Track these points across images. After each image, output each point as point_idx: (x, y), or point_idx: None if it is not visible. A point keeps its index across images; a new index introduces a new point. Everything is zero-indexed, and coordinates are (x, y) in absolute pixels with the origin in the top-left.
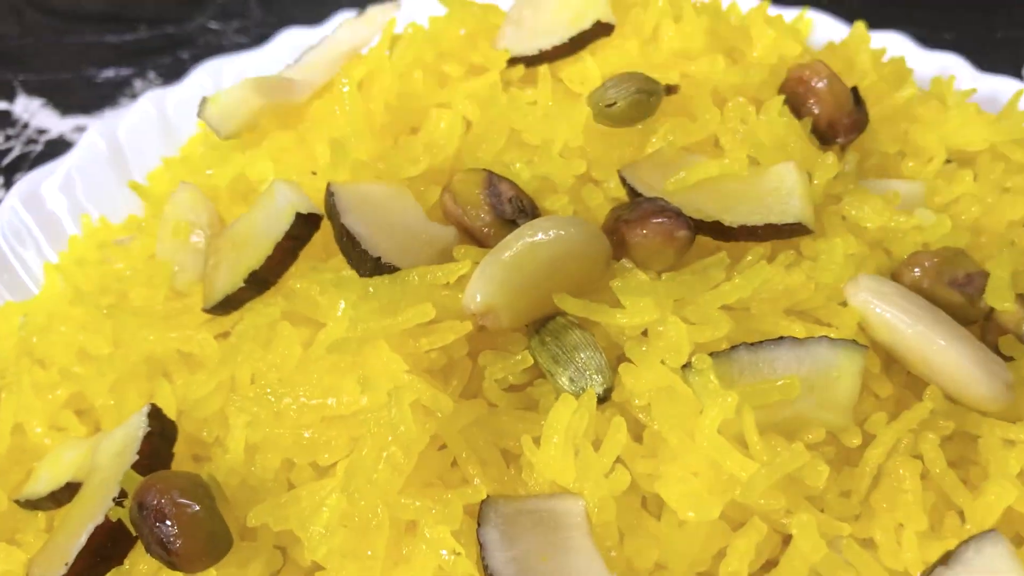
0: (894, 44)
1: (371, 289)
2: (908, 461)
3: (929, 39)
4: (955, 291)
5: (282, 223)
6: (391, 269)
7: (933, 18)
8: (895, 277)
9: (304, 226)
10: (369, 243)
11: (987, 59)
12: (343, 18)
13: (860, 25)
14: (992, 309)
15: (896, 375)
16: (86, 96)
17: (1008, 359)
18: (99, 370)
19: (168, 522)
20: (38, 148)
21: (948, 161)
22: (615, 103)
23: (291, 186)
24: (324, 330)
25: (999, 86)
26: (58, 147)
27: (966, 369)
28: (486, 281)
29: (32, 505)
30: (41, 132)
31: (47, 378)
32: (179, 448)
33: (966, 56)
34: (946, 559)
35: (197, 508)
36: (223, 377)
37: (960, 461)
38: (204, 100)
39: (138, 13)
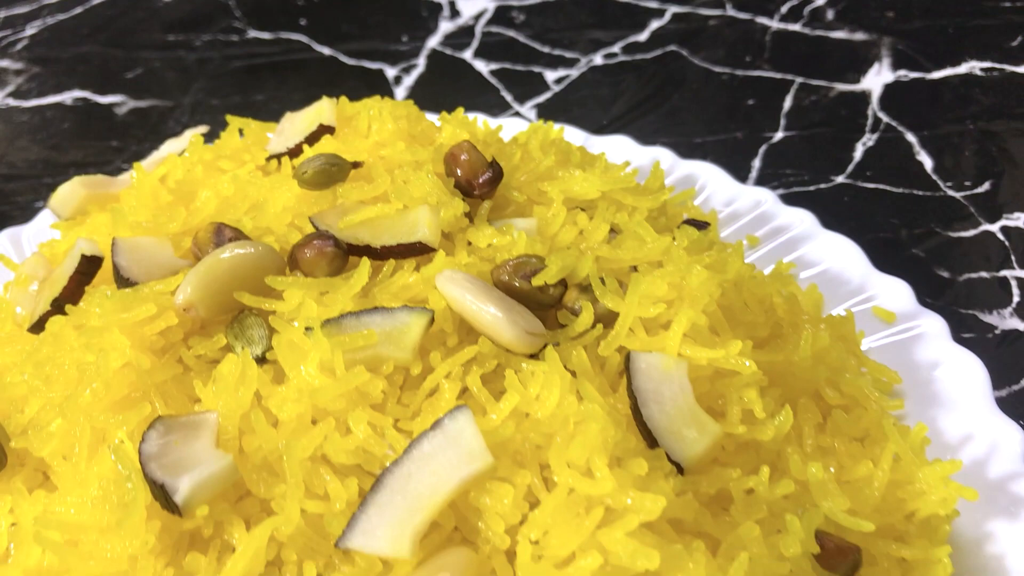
0: (617, 143)
1: (108, 293)
2: (453, 383)
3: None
4: (525, 282)
5: (74, 263)
6: (134, 284)
7: (692, 129)
8: (492, 274)
9: (88, 264)
10: (126, 270)
11: (729, 157)
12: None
13: (538, 124)
14: (563, 294)
15: (473, 335)
16: (22, 219)
17: (562, 326)
18: None
19: None
20: None
21: (579, 208)
22: (307, 172)
23: (87, 240)
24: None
25: (695, 169)
26: None
27: (496, 323)
28: (187, 284)
29: None
30: None
31: None
32: None
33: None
34: (435, 425)
35: None
36: (27, 368)
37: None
38: (51, 194)
39: (72, 159)
